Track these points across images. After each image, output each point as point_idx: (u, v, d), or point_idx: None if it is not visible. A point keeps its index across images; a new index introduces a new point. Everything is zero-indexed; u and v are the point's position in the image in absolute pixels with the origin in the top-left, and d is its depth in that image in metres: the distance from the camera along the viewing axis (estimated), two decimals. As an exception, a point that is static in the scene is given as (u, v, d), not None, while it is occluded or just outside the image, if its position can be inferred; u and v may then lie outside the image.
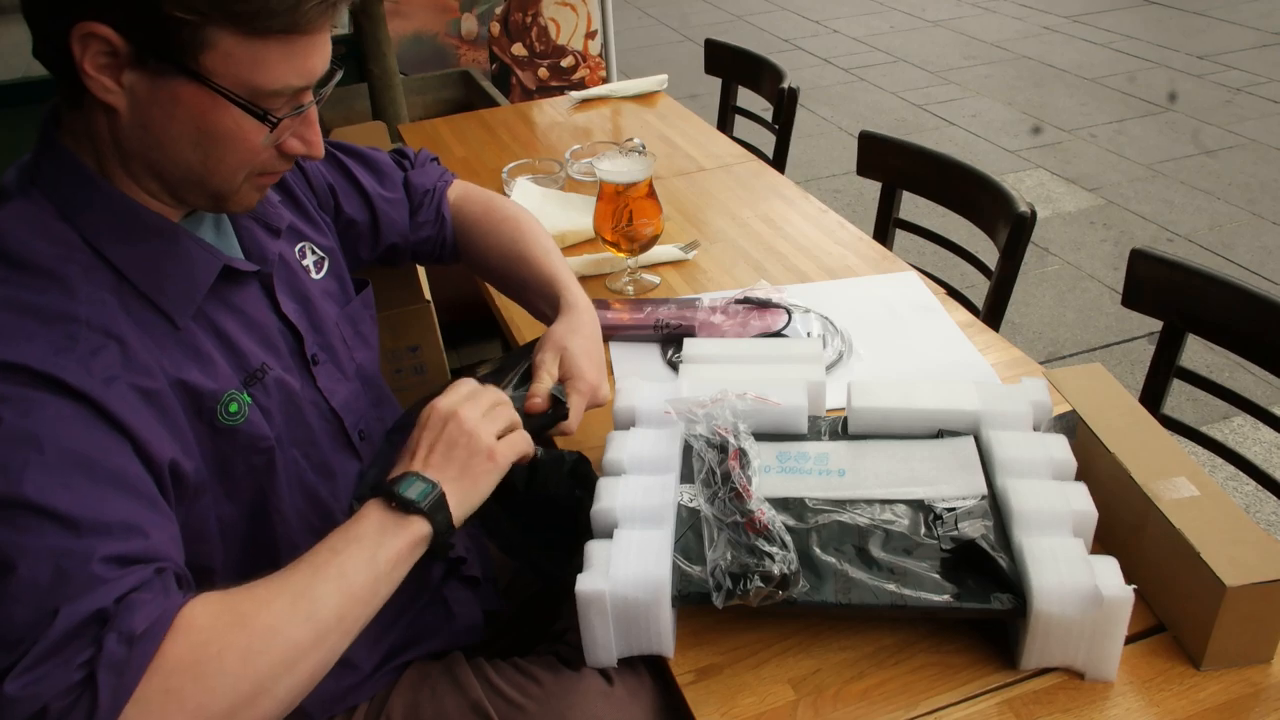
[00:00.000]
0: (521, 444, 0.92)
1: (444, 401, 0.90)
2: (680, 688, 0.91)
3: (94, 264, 0.82)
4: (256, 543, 0.94)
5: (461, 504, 0.86)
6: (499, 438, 0.90)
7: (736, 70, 2.58)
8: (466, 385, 0.94)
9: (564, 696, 0.97)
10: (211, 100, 0.79)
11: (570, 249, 1.72)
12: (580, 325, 1.11)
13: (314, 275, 1.05)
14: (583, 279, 1.45)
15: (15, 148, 0.91)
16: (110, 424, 0.76)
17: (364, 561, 0.80)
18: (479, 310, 1.70)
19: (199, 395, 0.85)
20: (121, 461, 0.76)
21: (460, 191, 1.31)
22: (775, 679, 0.91)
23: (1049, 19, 6.40)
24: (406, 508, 0.83)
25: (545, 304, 1.19)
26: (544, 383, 1.03)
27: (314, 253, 1.07)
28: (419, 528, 0.83)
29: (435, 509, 0.84)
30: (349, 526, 0.82)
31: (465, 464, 0.87)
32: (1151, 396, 1.46)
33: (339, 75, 0.88)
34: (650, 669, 0.98)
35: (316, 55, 0.82)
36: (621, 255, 1.57)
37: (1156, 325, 1.46)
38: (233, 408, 0.88)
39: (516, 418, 0.94)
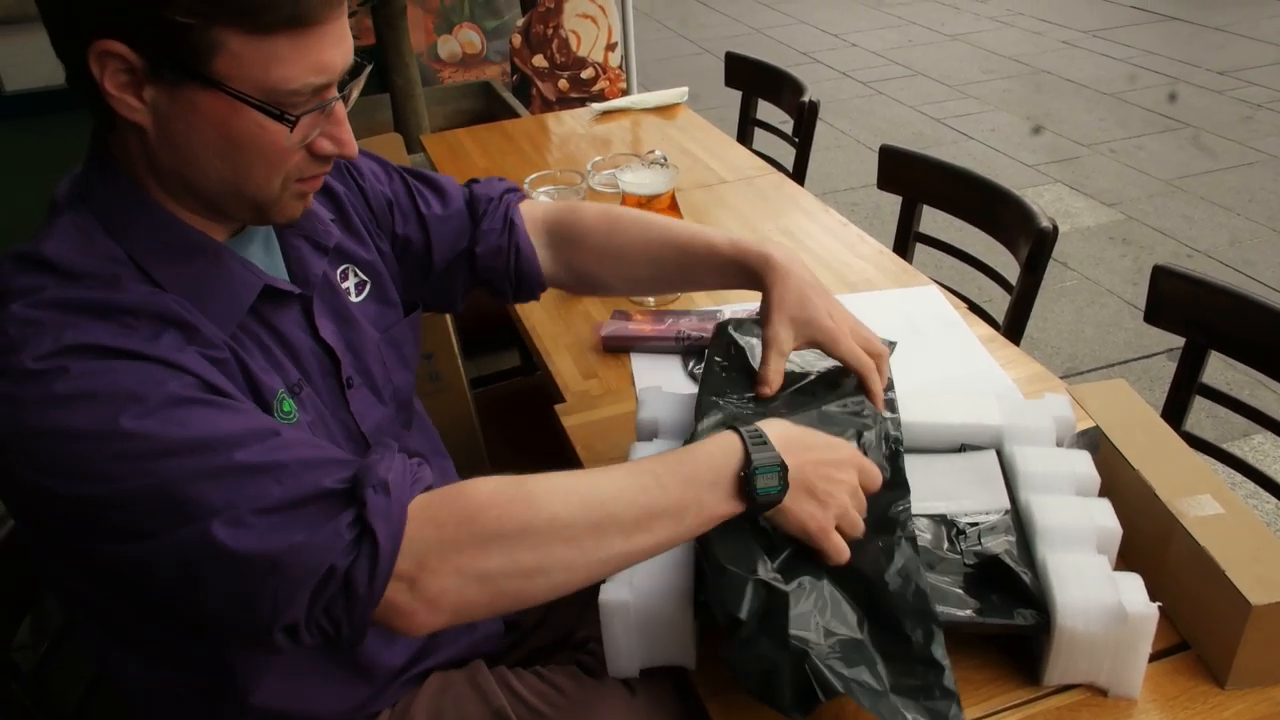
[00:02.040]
0: (833, 546, 0.87)
1: (858, 453, 0.91)
2: (702, 699, 0.92)
3: (140, 278, 0.82)
4: None
5: (775, 516, 0.86)
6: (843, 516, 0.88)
7: (757, 83, 2.59)
8: (873, 465, 0.92)
9: (587, 705, 0.98)
10: (229, 106, 0.77)
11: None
12: (795, 280, 1.08)
13: (353, 298, 1.04)
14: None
15: (43, 154, 0.93)
16: (194, 377, 0.77)
17: (674, 513, 0.81)
18: (497, 319, 1.71)
19: (257, 383, 0.86)
20: (220, 398, 0.77)
21: (537, 206, 1.24)
22: (797, 691, 0.91)
23: (1068, 33, 6.39)
24: (748, 492, 0.82)
25: (735, 276, 1.13)
26: (775, 363, 1.04)
27: (356, 275, 1.05)
28: (736, 508, 0.83)
29: (760, 507, 0.84)
30: (692, 459, 0.83)
31: (810, 494, 0.85)
32: (1173, 413, 1.46)
33: (368, 69, 0.87)
34: (673, 680, 0.99)
35: (331, 48, 0.79)
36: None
37: (1175, 341, 1.45)
38: (286, 407, 0.88)
39: (860, 524, 0.89)
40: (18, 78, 3.08)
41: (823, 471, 0.86)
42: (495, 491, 0.78)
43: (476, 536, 0.76)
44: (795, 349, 1.07)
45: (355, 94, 0.86)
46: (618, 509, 0.79)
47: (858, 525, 0.88)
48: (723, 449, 0.84)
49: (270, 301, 0.91)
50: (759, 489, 0.82)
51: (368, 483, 0.74)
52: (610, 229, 1.20)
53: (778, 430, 0.86)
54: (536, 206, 1.24)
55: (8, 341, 0.74)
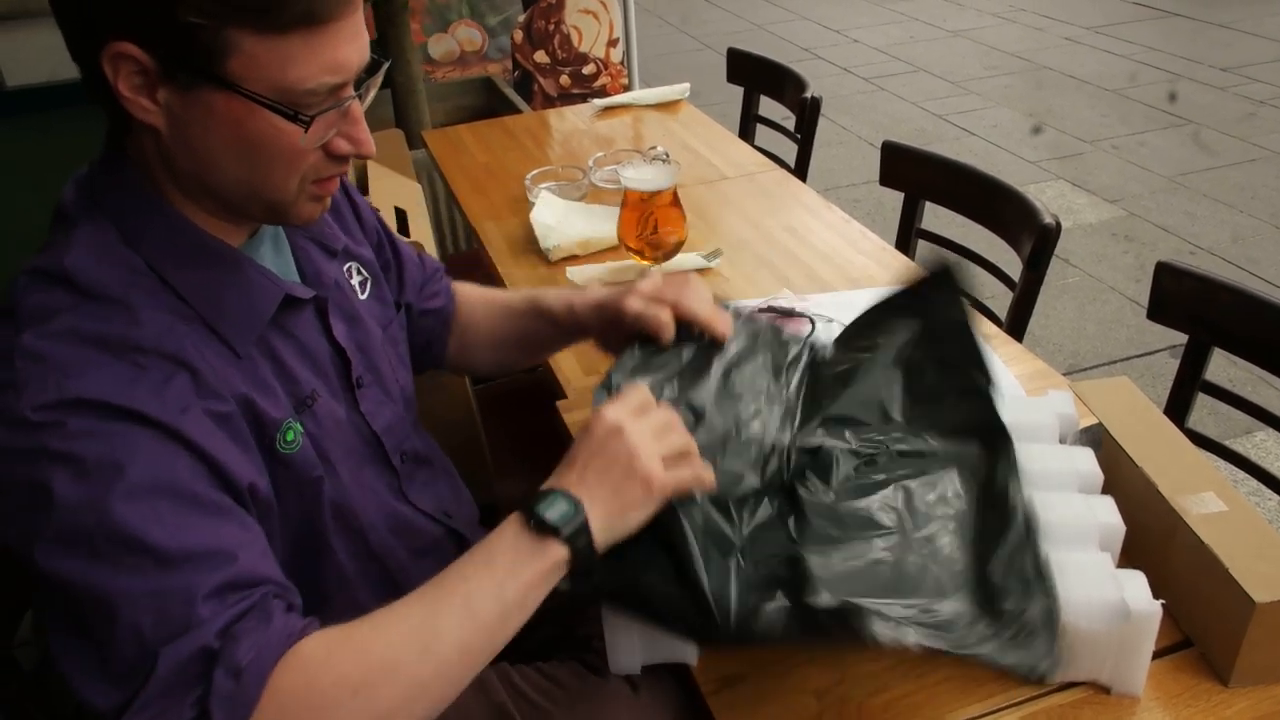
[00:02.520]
0: (689, 476, 0.83)
1: (611, 411, 0.83)
2: (704, 696, 0.91)
3: (158, 289, 0.81)
4: (297, 565, 0.91)
5: (606, 530, 0.79)
6: (665, 464, 0.82)
7: (759, 79, 2.58)
8: (638, 395, 0.86)
9: (589, 702, 0.98)
10: (244, 107, 0.76)
11: (593, 256, 1.73)
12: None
13: (360, 295, 1.04)
14: (606, 286, 1.44)
15: (44, 150, 0.92)
16: (190, 450, 0.75)
17: (492, 591, 0.75)
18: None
19: (262, 422, 0.84)
20: (204, 486, 0.75)
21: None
22: (799, 689, 0.91)
23: (1070, 29, 6.38)
24: (543, 530, 0.77)
25: (561, 309, 1.13)
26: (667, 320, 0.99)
27: (360, 273, 1.06)
28: (555, 553, 0.77)
29: (576, 534, 0.77)
30: (483, 547, 0.78)
31: (618, 486, 0.80)
32: (1176, 410, 1.46)
33: (385, 65, 0.86)
34: (674, 677, 0.99)
35: (345, 45, 0.78)
36: (645, 263, 1.58)
37: (1178, 338, 1.45)
38: (289, 435, 0.87)
39: (691, 443, 0.85)
40: (19, 73, 3.08)
41: (607, 453, 0.81)
42: (328, 653, 0.72)
43: (325, 707, 0.70)
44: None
45: (373, 92, 0.85)
46: (443, 626, 0.74)
47: (682, 476, 0.82)
48: (505, 523, 0.80)
49: (287, 309, 0.90)
50: (551, 519, 0.77)
51: (223, 661, 0.69)
52: (475, 301, 1.26)
53: (552, 479, 0.82)
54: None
55: (11, 378, 0.73)
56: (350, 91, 0.81)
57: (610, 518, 0.79)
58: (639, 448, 0.81)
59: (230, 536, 0.75)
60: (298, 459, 0.88)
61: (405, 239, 1.24)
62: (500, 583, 0.76)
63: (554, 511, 0.77)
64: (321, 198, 0.87)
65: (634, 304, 1.02)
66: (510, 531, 0.78)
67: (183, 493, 0.74)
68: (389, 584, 1.00)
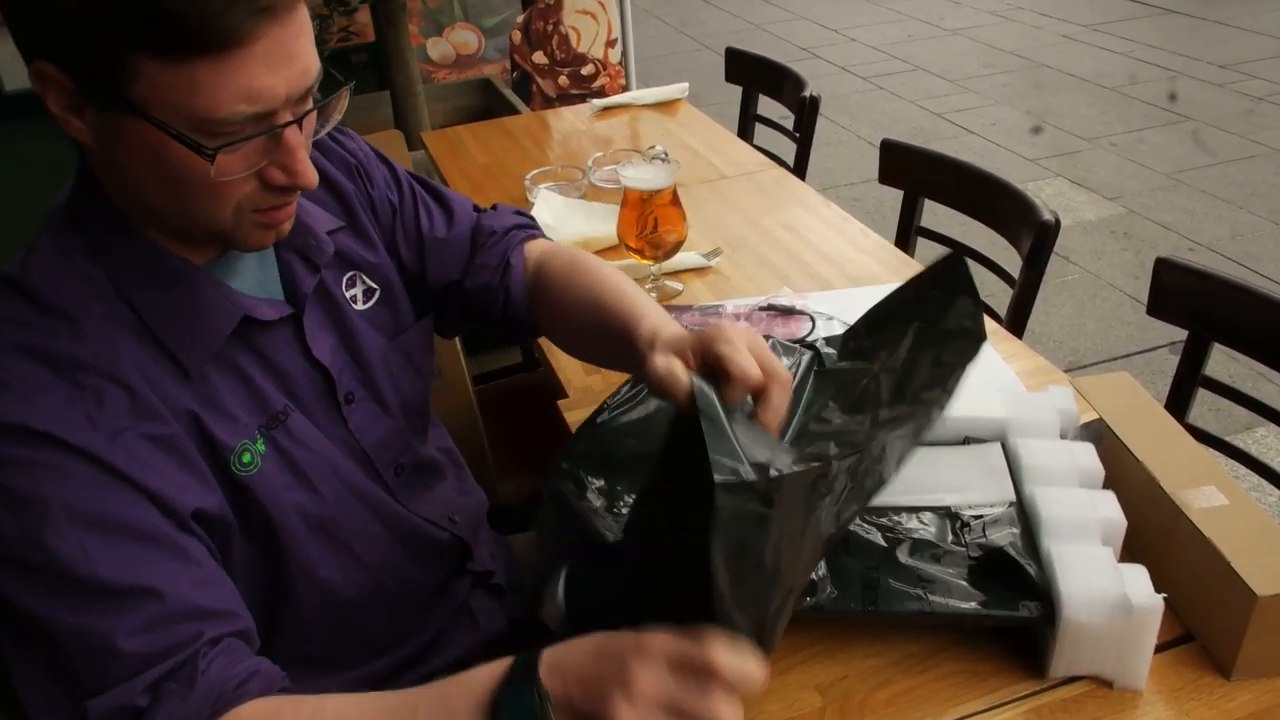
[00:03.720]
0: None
1: (641, 680, 0.64)
2: (707, 693, 0.91)
3: (116, 305, 0.80)
4: (272, 580, 0.92)
5: None
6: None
7: (757, 79, 2.59)
8: (666, 646, 0.65)
9: None
10: (155, 135, 0.71)
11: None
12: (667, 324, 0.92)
13: (359, 305, 1.00)
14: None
15: (42, 154, 0.92)
16: (121, 479, 0.75)
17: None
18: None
19: (213, 443, 0.83)
20: (135, 513, 0.76)
21: (546, 248, 1.14)
22: (802, 685, 0.92)
23: (1068, 27, 6.38)
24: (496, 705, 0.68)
25: (631, 343, 0.92)
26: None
27: (364, 282, 1.01)
28: None
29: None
30: (452, 684, 0.71)
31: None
32: (1176, 406, 1.46)
33: (346, 91, 0.81)
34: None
35: (265, 73, 0.71)
36: (645, 262, 1.58)
37: (1178, 334, 1.45)
38: (245, 458, 0.85)
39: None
40: (18, 77, 3.08)
41: (593, 688, 0.66)
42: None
43: None
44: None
45: (311, 125, 0.79)
46: None
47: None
48: (486, 671, 0.71)
49: (253, 327, 0.88)
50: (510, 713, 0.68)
51: None
52: (568, 277, 1.08)
53: (555, 656, 0.69)
54: (537, 247, 1.14)
55: None
56: (284, 118, 0.75)
57: None
58: (647, 691, 0.64)
59: (164, 570, 0.75)
60: (257, 482, 0.86)
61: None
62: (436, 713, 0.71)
63: (520, 712, 0.67)
64: (270, 226, 0.82)
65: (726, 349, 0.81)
66: (477, 685, 0.70)
67: (112, 524, 0.74)
68: (381, 590, 1.00)
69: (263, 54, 0.70)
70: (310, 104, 0.78)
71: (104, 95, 0.71)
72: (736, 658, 0.65)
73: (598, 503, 0.97)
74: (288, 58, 0.72)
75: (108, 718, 0.70)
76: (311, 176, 0.79)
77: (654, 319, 0.93)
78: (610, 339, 0.97)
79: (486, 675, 0.70)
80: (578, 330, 1.08)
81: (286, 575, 0.92)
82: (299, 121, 0.76)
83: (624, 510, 0.97)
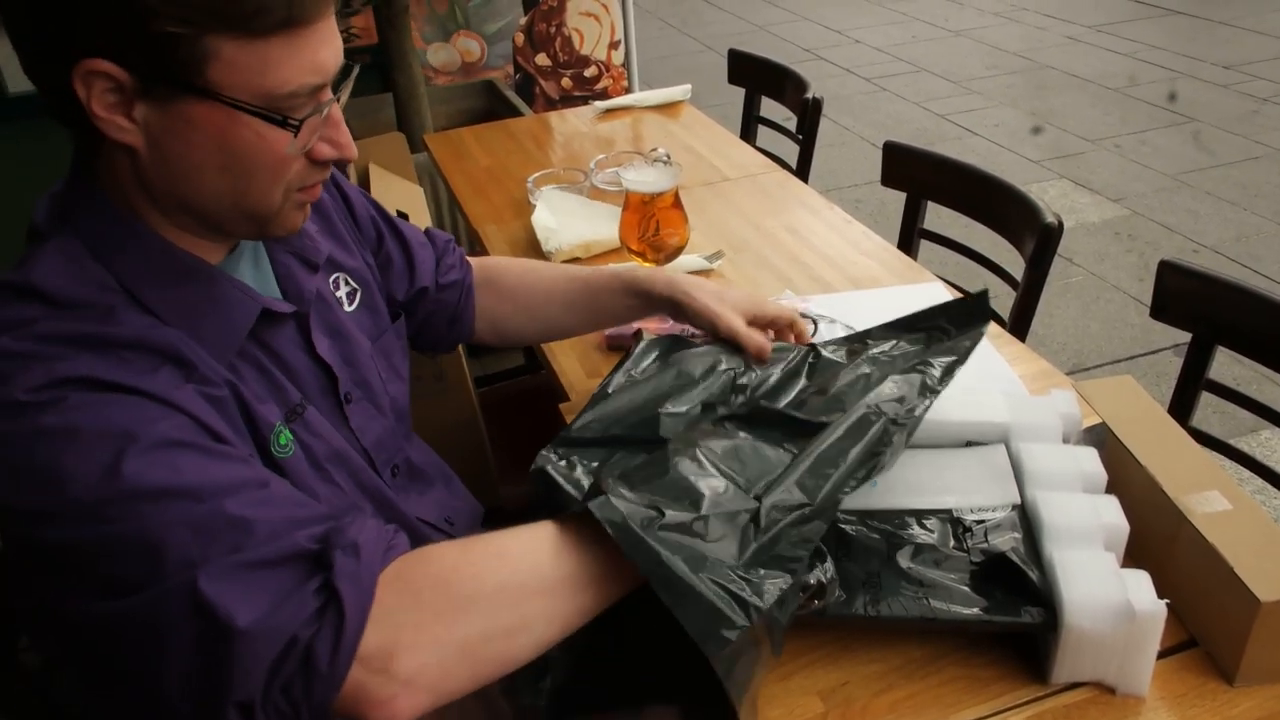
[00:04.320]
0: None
1: None
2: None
3: (129, 305, 0.79)
4: None
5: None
6: None
7: (760, 80, 2.58)
8: None
9: None
10: (227, 116, 0.74)
11: (595, 258, 1.73)
12: (703, 285, 1.17)
13: (346, 307, 1.02)
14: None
15: (46, 156, 0.92)
16: (191, 417, 0.74)
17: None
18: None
19: (255, 422, 0.83)
20: (213, 443, 0.75)
21: (477, 260, 1.30)
22: (804, 691, 0.91)
23: (1072, 29, 6.37)
24: None
25: (637, 298, 1.20)
26: (750, 334, 1.12)
27: (348, 284, 1.04)
28: None
29: None
30: None
31: None
32: (1180, 409, 1.45)
33: (355, 70, 0.84)
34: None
35: (324, 47, 0.77)
36: (647, 265, 1.58)
37: (1182, 337, 1.45)
38: (282, 440, 0.86)
39: None
40: (22, 79, 3.08)
41: None
42: (465, 551, 0.75)
43: (453, 600, 0.72)
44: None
45: (346, 95, 0.84)
46: (587, 557, 0.77)
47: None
48: None
49: (266, 323, 0.89)
50: None
51: (337, 544, 0.70)
52: (524, 271, 1.28)
53: None
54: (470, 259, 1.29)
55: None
56: (329, 95, 0.80)
57: None
58: None
59: (263, 474, 0.75)
60: (291, 465, 0.87)
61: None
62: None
63: None
64: (304, 205, 0.86)
65: (774, 310, 1.16)
66: None
67: (196, 447, 0.72)
68: None
69: (323, 29, 0.76)
70: (341, 80, 0.82)
71: (170, 84, 0.72)
72: None
73: (586, 481, 0.97)
74: (334, 33, 0.78)
75: (285, 555, 0.69)
76: (354, 148, 0.84)
77: (637, 270, 1.18)
78: (601, 293, 1.21)
79: None
80: (551, 302, 1.24)
81: None
82: (339, 96, 0.81)
83: None
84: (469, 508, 1.16)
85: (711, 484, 0.85)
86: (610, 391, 1.08)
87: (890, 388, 0.98)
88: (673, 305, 1.18)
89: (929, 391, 0.99)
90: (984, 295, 1.12)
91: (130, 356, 0.75)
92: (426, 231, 1.24)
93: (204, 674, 0.66)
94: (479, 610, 0.72)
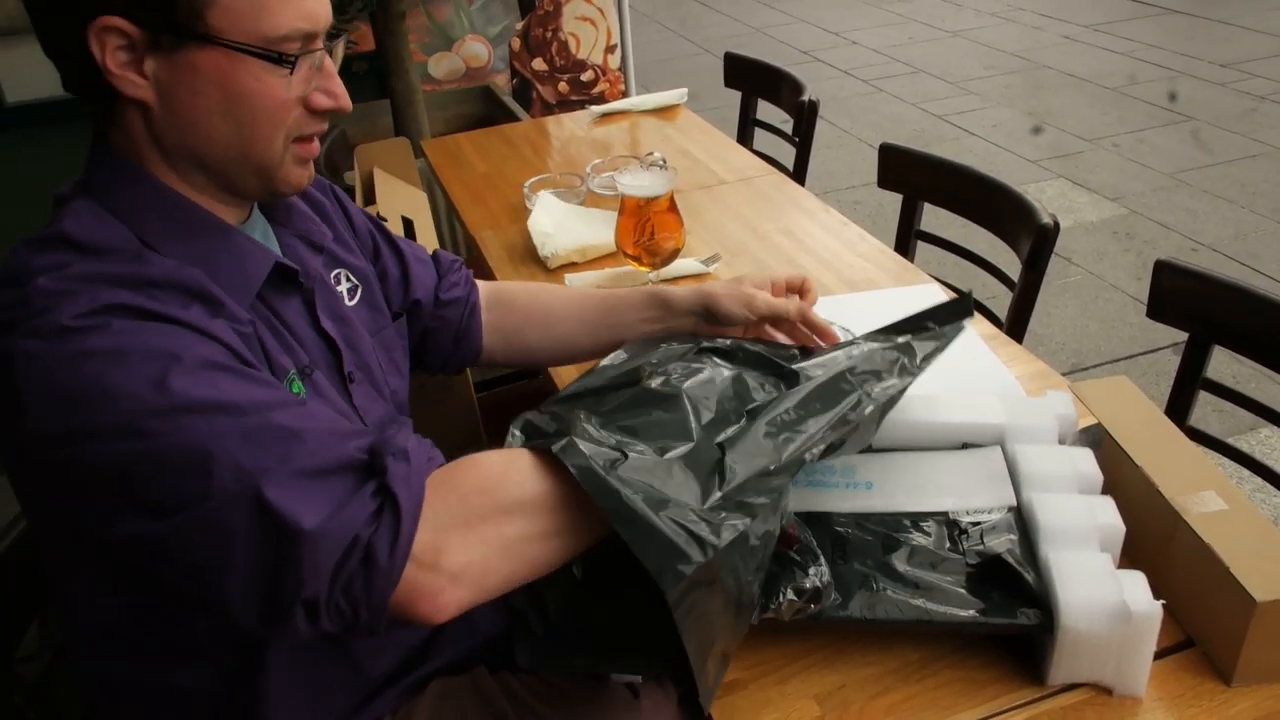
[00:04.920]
0: None
1: None
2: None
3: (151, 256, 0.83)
4: None
5: None
6: None
7: (756, 83, 2.59)
8: None
9: (588, 708, 0.98)
10: (228, 60, 0.80)
11: (592, 263, 1.73)
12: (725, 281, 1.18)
13: (348, 301, 1.06)
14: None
15: (44, 166, 0.93)
16: (227, 348, 0.78)
17: None
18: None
19: (273, 364, 0.87)
20: (252, 370, 0.79)
21: (487, 284, 1.31)
22: (800, 694, 0.91)
23: (1069, 28, 6.38)
24: None
25: (655, 309, 1.19)
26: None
27: (349, 280, 1.08)
28: None
29: None
30: None
31: None
32: (1177, 409, 1.45)
33: (343, 37, 0.90)
34: (675, 682, 0.98)
35: None
36: (643, 269, 1.58)
37: (1181, 336, 1.45)
38: (295, 387, 0.89)
39: None
40: (19, 89, 3.10)
41: None
42: (510, 461, 0.79)
43: (501, 505, 0.77)
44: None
45: (339, 53, 0.89)
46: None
47: None
48: None
49: (275, 288, 0.92)
50: None
51: (388, 451, 0.74)
52: (538, 291, 1.30)
53: None
54: (480, 283, 1.31)
55: (40, 305, 0.73)
56: (321, 44, 0.85)
57: None
58: None
59: (299, 397, 0.80)
60: None
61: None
62: None
63: None
64: (305, 160, 0.90)
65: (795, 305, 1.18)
66: None
67: (236, 370, 0.76)
68: None
69: None
70: (333, 39, 0.88)
71: (176, 33, 0.78)
72: None
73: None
74: None
75: (341, 462, 0.73)
76: (348, 100, 0.89)
77: (654, 289, 1.21)
78: (618, 306, 1.21)
79: None
80: (567, 318, 1.24)
81: None
82: (331, 49, 0.87)
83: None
84: None
85: (680, 421, 0.87)
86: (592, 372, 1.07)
87: (867, 363, 1.01)
88: (703, 307, 1.17)
89: (905, 373, 1.00)
90: (968, 296, 1.16)
91: (162, 294, 0.78)
92: (434, 254, 1.26)
93: (272, 578, 0.70)
94: (520, 514, 0.77)
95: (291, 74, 0.82)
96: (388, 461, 0.74)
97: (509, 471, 0.79)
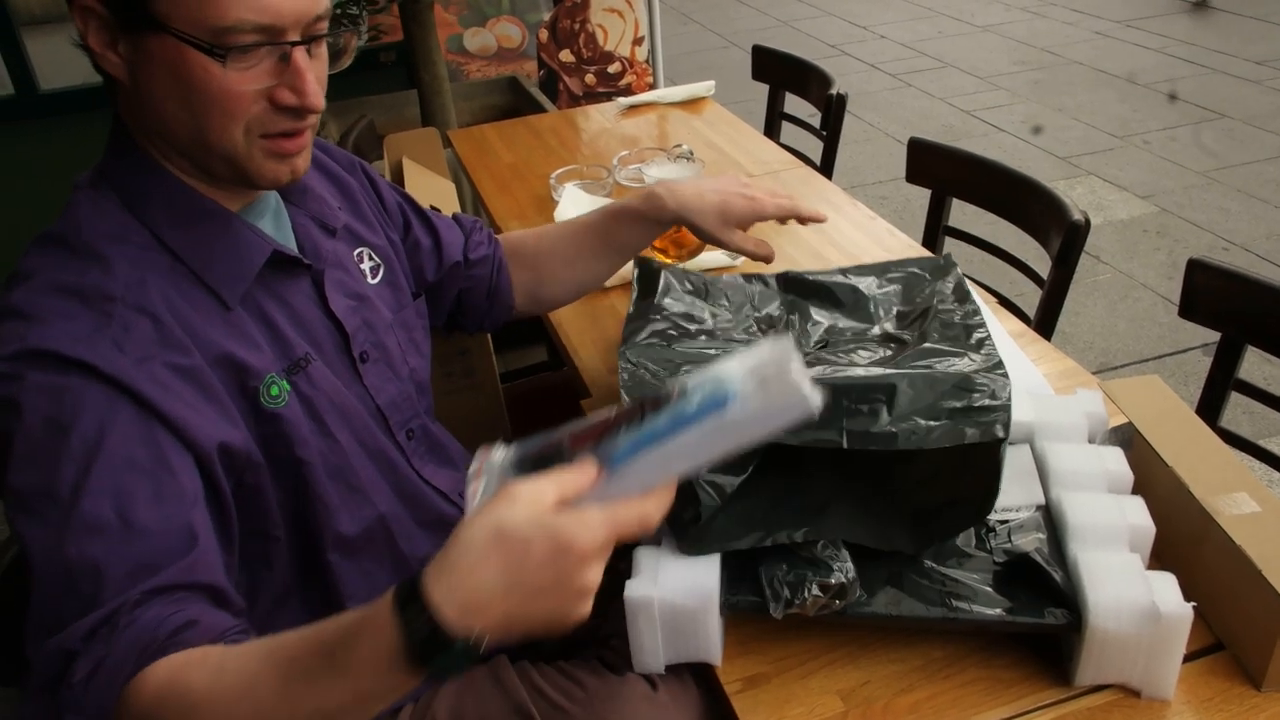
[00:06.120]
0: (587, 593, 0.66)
1: (583, 535, 0.63)
2: (728, 696, 0.91)
3: (150, 245, 0.86)
4: (300, 522, 0.95)
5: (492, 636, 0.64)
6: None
7: (784, 76, 2.57)
8: (589, 524, 0.64)
9: (608, 700, 0.98)
10: (176, 48, 0.79)
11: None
12: (690, 189, 1.23)
13: (370, 280, 1.07)
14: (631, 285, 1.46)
15: (76, 152, 0.95)
16: (145, 409, 0.78)
17: (346, 701, 0.65)
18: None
19: (243, 371, 0.87)
20: (145, 450, 0.77)
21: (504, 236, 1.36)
22: (824, 690, 0.91)
23: (1101, 24, 6.30)
24: (424, 665, 0.62)
25: (642, 219, 1.24)
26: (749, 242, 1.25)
27: (371, 258, 1.09)
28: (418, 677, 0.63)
29: (454, 671, 0.63)
30: (346, 645, 0.64)
31: (522, 621, 0.64)
32: (1208, 409, 1.44)
33: (348, 31, 0.90)
34: (695, 675, 0.98)
35: None
36: (669, 261, 1.57)
37: (1210, 336, 1.43)
38: (274, 390, 0.89)
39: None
40: (52, 77, 3.13)
41: (531, 608, 0.63)
42: (159, 702, 0.68)
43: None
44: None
45: (320, 51, 0.87)
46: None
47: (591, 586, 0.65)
48: (379, 640, 0.62)
49: (279, 272, 0.93)
50: (446, 667, 0.62)
51: (73, 677, 0.68)
52: (539, 235, 1.32)
53: (456, 585, 0.62)
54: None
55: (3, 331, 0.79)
56: (290, 38, 0.82)
57: (503, 630, 0.63)
58: (586, 578, 0.64)
59: (158, 511, 0.76)
60: (285, 415, 0.90)
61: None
62: (351, 700, 0.65)
63: (453, 665, 0.62)
64: (283, 156, 0.87)
65: (772, 204, 1.25)
66: (375, 651, 0.63)
67: (119, 457, 0.76)
68: (392, 547, 1.03)
69: None
70: (321, 35, 0.86)
71: (131, 15, 0.79)
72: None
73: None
74: None
75: (48, 662, 0.70)
76: (318, 99, 0.85)
77: (632, 201, 1.25)
78: (612, 228, 1.25)
79: (370, 636, 0.63)
80: (579, 256, 1.28)
81: (315, 525, 0.95)
82: (308, 46, 0.84)
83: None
84: None
85: None
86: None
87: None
88: (680, 219, 1.23)
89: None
90: (949, 257, 1.29)
91: (113, 310, 0.80)
92: (454, 216, 1.29)
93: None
94: None
95: (241, 68, 0.80)
96: (62, 692, 0.68)
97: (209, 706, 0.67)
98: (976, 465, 0.90)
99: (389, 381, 1.05)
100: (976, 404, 0.91)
